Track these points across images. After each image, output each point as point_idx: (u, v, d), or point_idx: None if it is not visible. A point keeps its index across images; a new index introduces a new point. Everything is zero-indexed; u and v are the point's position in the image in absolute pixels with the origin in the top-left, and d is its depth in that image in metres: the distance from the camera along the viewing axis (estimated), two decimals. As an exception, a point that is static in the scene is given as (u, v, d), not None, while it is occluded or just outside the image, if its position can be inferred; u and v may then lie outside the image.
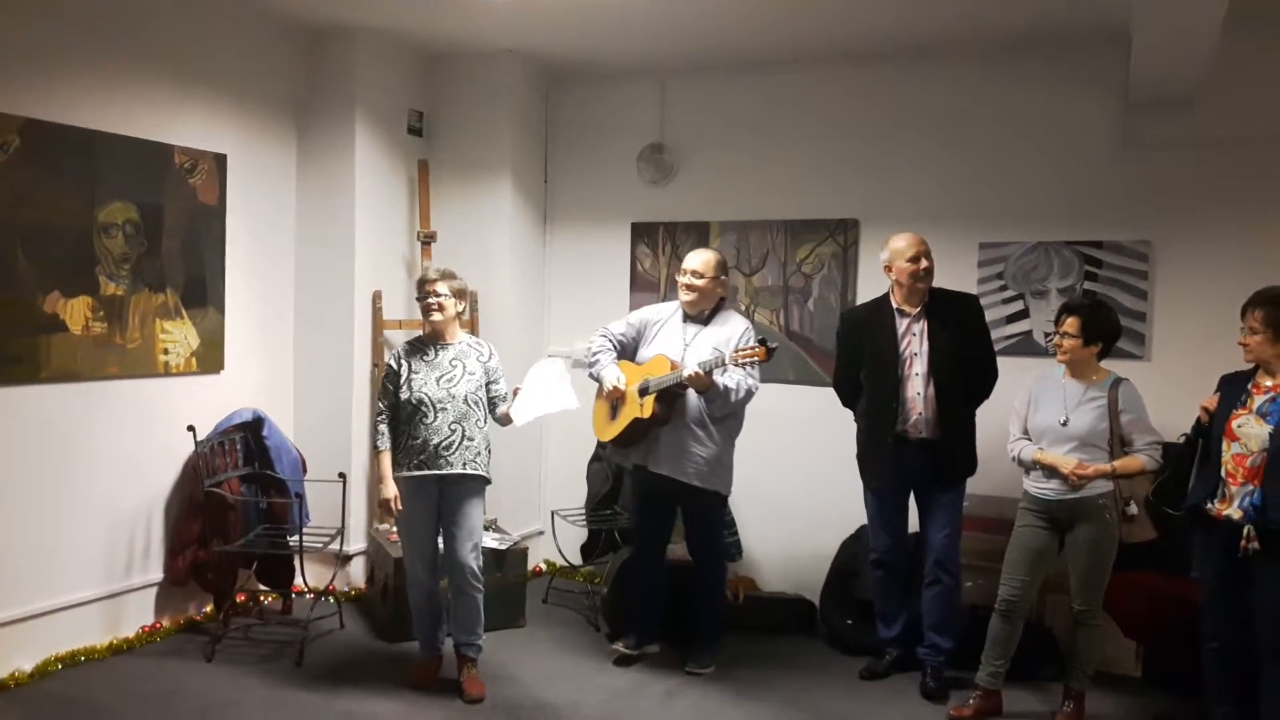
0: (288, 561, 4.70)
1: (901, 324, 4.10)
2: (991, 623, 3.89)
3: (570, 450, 5.62)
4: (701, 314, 4.22)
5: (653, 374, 4.08)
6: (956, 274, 4.64)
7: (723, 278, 4.22)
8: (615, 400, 4.18)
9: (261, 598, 4.91)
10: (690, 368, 3.89)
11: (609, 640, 4.58)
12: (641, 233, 5.52)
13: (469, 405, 3.94)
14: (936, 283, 4.15)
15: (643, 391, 4.08)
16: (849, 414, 4.34)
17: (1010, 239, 4.74)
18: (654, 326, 4.29)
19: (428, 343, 4.05)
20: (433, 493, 3.97)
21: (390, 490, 3.93)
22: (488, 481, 4.03)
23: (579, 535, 5.35)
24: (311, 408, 5.18)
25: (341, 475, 4.56)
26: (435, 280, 3.97)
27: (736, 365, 3.84)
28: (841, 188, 5.06)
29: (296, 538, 4.45)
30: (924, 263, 4.02)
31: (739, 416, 4.23)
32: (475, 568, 3.97)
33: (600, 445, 5.20)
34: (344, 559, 4.97)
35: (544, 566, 5.70)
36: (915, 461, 4.06)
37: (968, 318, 4.05)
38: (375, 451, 4.00)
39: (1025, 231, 4.72)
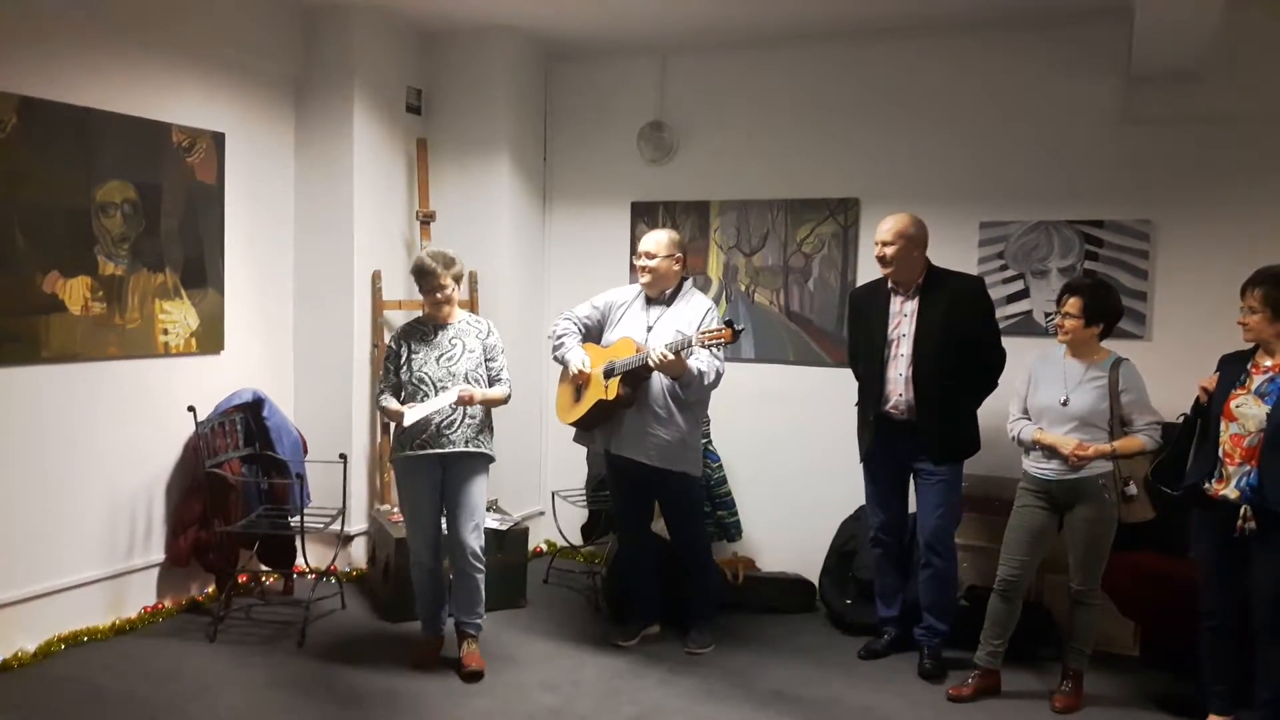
0: (289, 542, 4.73)
1: (895, 304, 4.11)
2: (990, 602, 3.92)
3: (570, 430, 5.62)
4: (663, 295, 4.21)
5: (618, 356, 4.08)
6: (957, 253, 4.64)
7: (678, 255, 4.19)
8: (580, 384, 4.18)
9: (263, 578, 4.94)
10: (657, 350, 3.85)
11: (611, 621, 4.62)
12: (641, 212, 5.52)
13: (469, 383, 3.96)
14: (939, 262, 4.15)
15: (608, 374, 4.07)
16: (850, 394, 4.36)
17: (1011, 218, 4.74)
18: (618, 309, 4.28)
19: (426, 323, 4.07)
20: (435, 472, 3.99)
21: (395, 407, 3.89)
22: (491, 459, 4.06)
23: (580, 516, 5.38)
24: (312, 388, 5.20)
25: (342, 456, 4.58)
26: (439, 273, 3.93)
27: (703, 347, 3.80)
28: (842, 167, 5.06)
29: (298, 518, 4.48)
30: (880, 249, 4.01)
31: (704, 403, 4.24)
32: (477, 548, 4.00)
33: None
34: (345, 539, 5.00)
35: (545, 547, 5.74)
36: (900, 442, 4.09)
37: (965, 299, 4.03)
38: (381, 409, 3.98)
39: (1026, 210, 4.72)
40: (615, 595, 4.71)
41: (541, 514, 5.74)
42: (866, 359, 4.18)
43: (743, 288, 5.27)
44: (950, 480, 4.08)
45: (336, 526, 4.62)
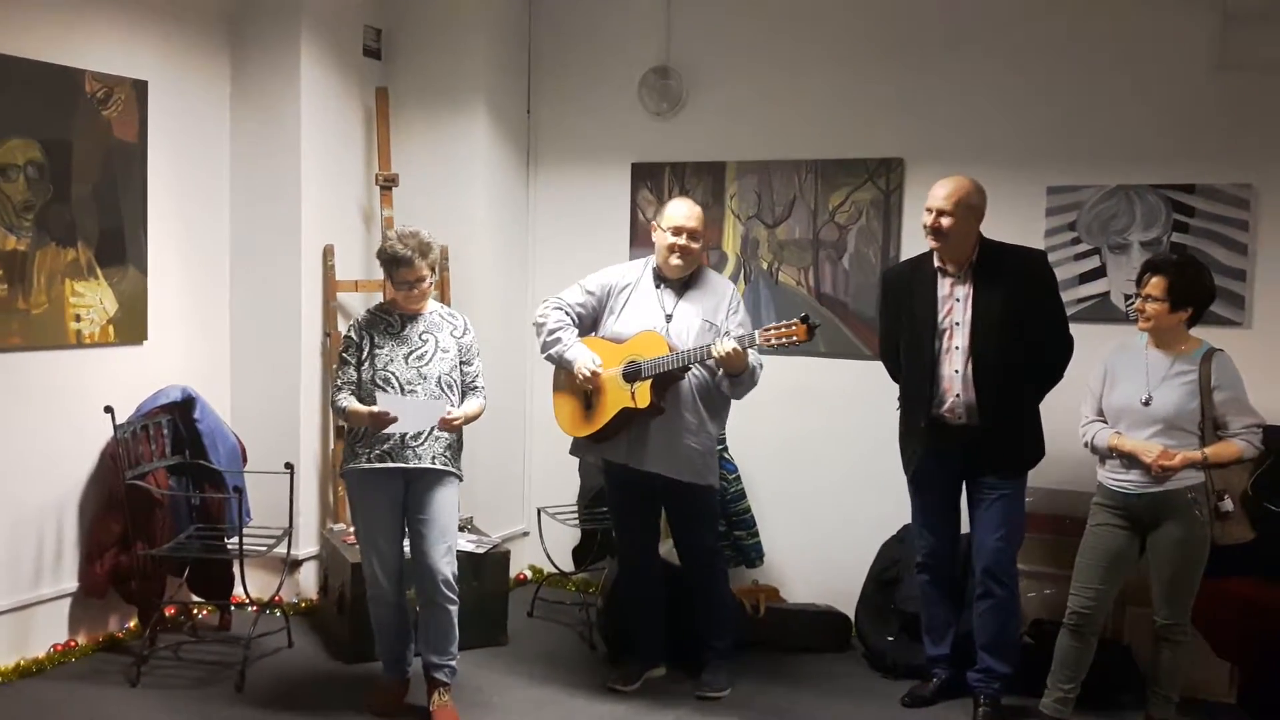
0: (225, 568, 4.74)
1: (943, 286, 4.11)
2: (1059, 640, 3.93)
3: (560, 436, 5.62)
4: (681, 277, 4.24)
5: (639, 354, 4.08)
6: (1020, 225, 4.64)
7: (707, 233, 4.25)
8: (589, 388, 4.17)
9: (195, 611, 4.96)
10: (726, 343, 3.85)
11: (606, 661, 4.63)
12: (644, 175, 5.52)
13: (442, 389, 3.98)
14: (999, 234, 4.16)
15: (630, 376, 4.07)
16: (893, 392, 4.37)
17: (1085, 182, 4.74)
18: (619, 293, 4.28)
19: (391, 312, 4.08)
20: (397, 488, 4.01)
21: (360, 408, 3.89)
22: (459, 478, 4.08)
23: (571, 537, 5.40)
24: (252, 385, 5.21)
25: (289, 466, 4.58)
26: (416, 263, 3.92)
27: (768, 349, 3.83)
28: (884, 120, 5.05)
29: (235, 540, 4.49)
30: (933, 219, 3.99)
31: (729, 407, 4.29)
32: (449, 575, 4.01)
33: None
34: (292, 565, 5.02)
35: (529, 573, 5.75)
36: (956, 451, 4.10)
37: (1027, 278, 4.03)
38: (341, 411, 3.98)
39: (1103, 173, 4.72)
40: (613, 631, 4.72)
41: (525, 534, 5.75)
42: (911, 353, 4.17)
43: (764, 265, 5.28)
44: (1013, 495, 4.10)
45: (282, 550, 4.62)
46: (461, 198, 5.43)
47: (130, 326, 4.75)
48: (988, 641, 4.15)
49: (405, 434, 3.92)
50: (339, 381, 4.03)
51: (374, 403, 3.89)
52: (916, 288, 4.16)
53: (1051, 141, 4.79)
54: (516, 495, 5.82)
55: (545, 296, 5.77)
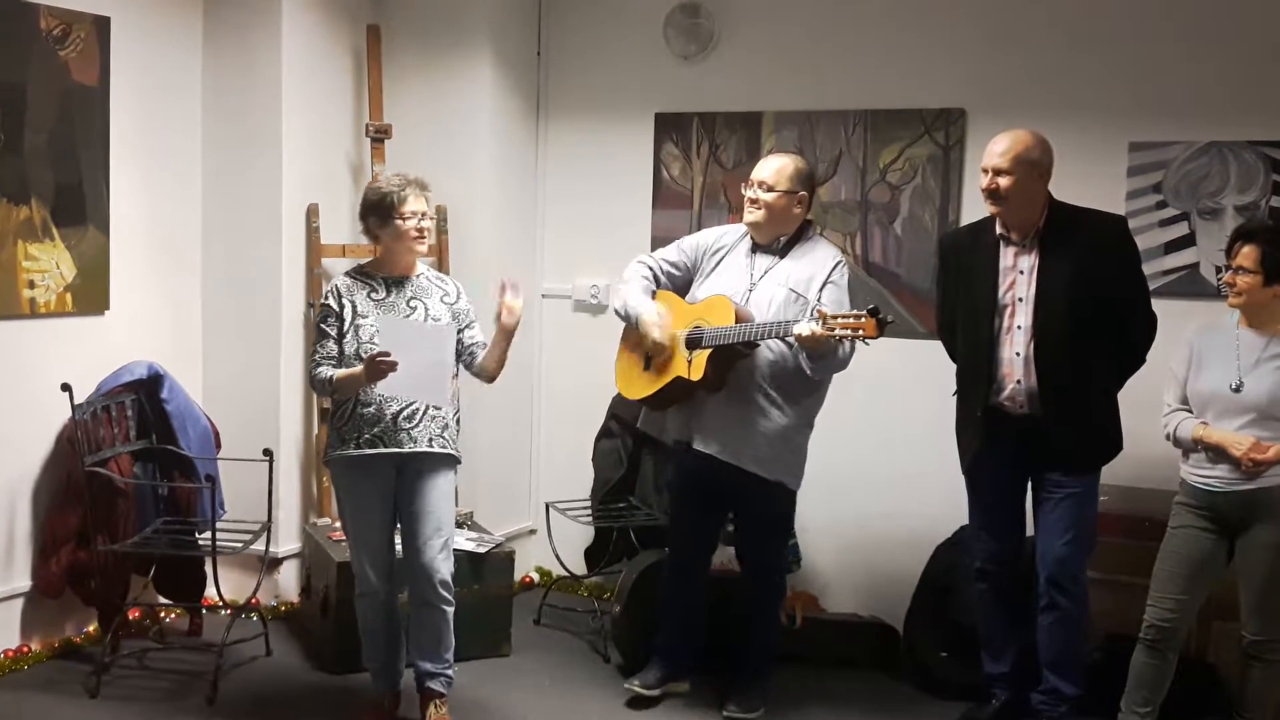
0: (196, 566, 4.77)
1: (1005, 257, 4.11)
2: (1135, 657, 3.94)
3: (571, 421, 5.69)
4: (776, 242, 4.28)
5: (708, 320, 4.13)
6: (1097, 186, 4.60)
7: (802, 193, 4.26)
8: (652, 350, 4.25)
9: (161, 614, 5.01)
10: (805, 325, 3.88)
11: (622, 675, 4.66)
12: (669, 127, 5.52)
13: (436, 363, 4.02)
14: (1071, 197, 4.15)
15: (692, 343, 4.13)
16: (950, 374, 4.37)
17: (1172, 137, 4.71)
18: (711, 256, 4.37)
19: (374, 275, 4.10)
20: (388, 476, 4.04)
21: (347, 370, 3.91)
22: (458, 461, 4.12)
23: (583, 536, 5.43)
24: (226, 362, 5.25)
25: (268, 453, 4.60)
26: (414, 196, 3.95)
27: (830, 337, 3.84)
28: (943, 67, 5.04)
29: (208, 535, 4.51)
30: (989, 179, 3.99)
31: (823, 389, 4.30)
32: (446, 575, 4.05)
33: (612, 412, 5.27)
34: (271, 563, 5.02)
35: (535, 576, 5.79)
36: (1018, 444, 4.10)
37: (1103, 247, 4.01)
38: (325, 384, 3.97)
39: (1193, 127, 4.69)
40: (631, 642, 4.75)
41: (532, 532, 5.79)
42: (968, 333, 4.18)
43: (806, 231, 5.29)
44: (1084, 494, 4.09)
45: (259, 546, 4.66)
46: (462, 152, 5.44)
47: (90, 294, 4.79)
48: (1053, 659, 4.14)
49: (397, 413, 3.94)
50: (317, 356, 4.02)
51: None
52: (976, 257, 4.16)
53: (1135, 91, 4.76)
54: (523, 488, 5.85)
55: (554, 262, 5.80)
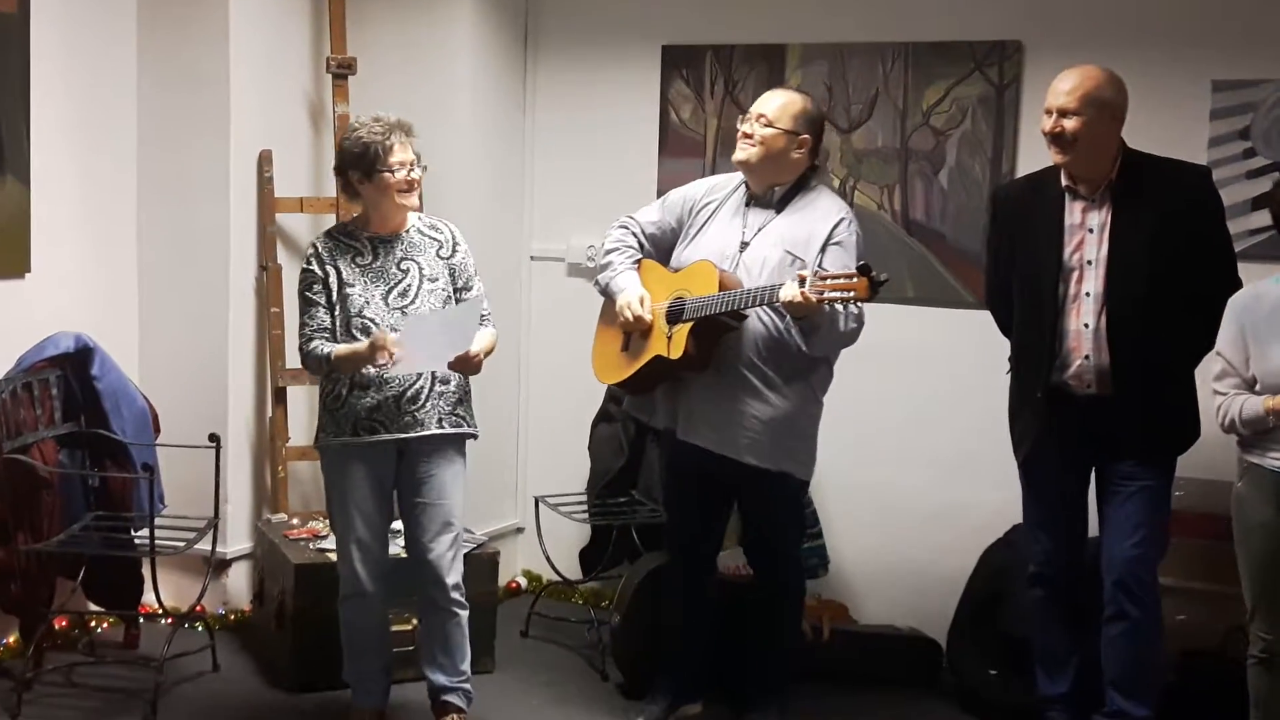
0: (132, 568, 4.78)
1: (1072, 213, 4.08)
2: (1250, 678, 3.89)
3: (564, 403, 5.68)
4: (771, 193, 4.22)
5: (689, 289, 4.09)
6: (1175, 131, 4.61)
7: (805, 135, 4.20)
8: (632, 328, 4.22)
9: (92, 623, 5.01)
10: (789, 289, 3.82)
11: (622, 695, 4.66)
12: (678, 62, 5.50)
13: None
14: (1144, 144, 4.12)
15: (673, 316, 4.09)
16: (1002, 350, 4.36)
17: (1262, 75, 4.70)
18: (700, 211, 4.31)
19: (358, 235, 4.09)
20: (388, 464, 4.07)
21: (349, 347, 3.93)
22: (473, 438, 4.15)
23: (578, 535, 5.43)
24: (166, 333, 5.24)
25: (214, 438, 4.62)
26: (400, 142, 3.96)
27: (818, 299, 3.78)
28: (995, -8, 5.02)
29: (145, 533, 4.52)
30: (1054, 122, 3.95)
31: (829, 366, 4.26)
32: (457, 574, 4.09)
33: (611, 393, 5.25)
34: (218, 566, 5.06)
35: (523, 582, 5.81)
36: (1084, 429, 4.09)
37: (1184, 202, 3.99)
38: (323, 361, 3.97)
39: (1285, 65, 4.68)
40: (633, 656, 4.74)
41: (519, 531, 5.80)
42: (1028, 301, 4.16)
43: (836, 181, 5.26)
44: (1156, 488, 4.09)
45: (205, 546, 4.67)
46: (438, 91, 5.42)
47: (7, 255, 4.77)
48: (1120, 677, 4.14)
49: (401, 394, 3.96)
50: (308, 330, 4.03)
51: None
52: (1037, 213, 4.13)
53: (1219, 22, 4.74)
54: (508, 482, 5.86)
55: (545, 220, 5.78)
